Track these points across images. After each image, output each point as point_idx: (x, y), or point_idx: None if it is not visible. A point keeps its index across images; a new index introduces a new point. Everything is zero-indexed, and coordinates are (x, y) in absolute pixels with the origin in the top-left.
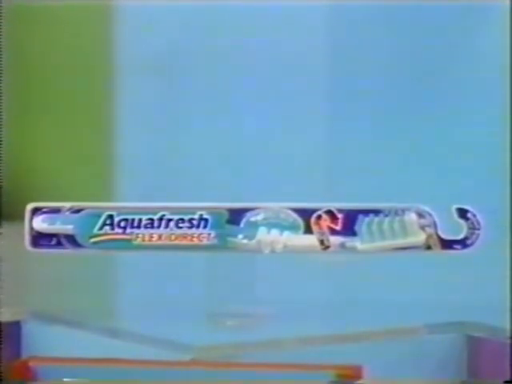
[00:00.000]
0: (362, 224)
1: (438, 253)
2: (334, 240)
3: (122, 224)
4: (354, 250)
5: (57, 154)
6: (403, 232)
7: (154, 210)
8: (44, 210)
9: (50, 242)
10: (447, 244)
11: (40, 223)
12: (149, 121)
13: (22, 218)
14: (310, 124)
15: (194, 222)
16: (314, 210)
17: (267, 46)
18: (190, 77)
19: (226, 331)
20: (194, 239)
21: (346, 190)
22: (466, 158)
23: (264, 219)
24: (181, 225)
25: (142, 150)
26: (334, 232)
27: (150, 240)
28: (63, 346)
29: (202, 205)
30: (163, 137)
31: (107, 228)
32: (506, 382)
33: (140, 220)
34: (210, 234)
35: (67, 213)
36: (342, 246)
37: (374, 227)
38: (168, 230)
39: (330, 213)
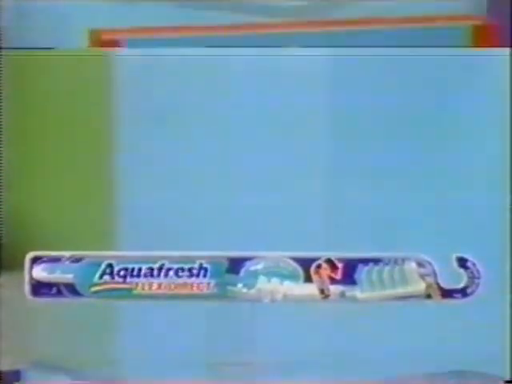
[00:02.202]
0: (362, 273)
1: (438, 302)
2: (334, 289)
3: (122, 273)
4: (354, 299)
5: (57, 204)
6: (403, 281)
7: (154, 259)
8: (44, 259)
9: (49, 291)
10: (447, 293)
11: (40, 272)
12: (149, 170)
13: (21, 267)
14: (309, 174)
15: (194, 271)
16: (313, 259)
17: (267, 100)
18: (191, 127)
19: (227, 380)
20: (194, 288)
21: (345, 237)
22: (465, 208)
23: (264, 268)
24: (180, 274)
25: (142, 199)
26: (333, 281)
27: (149, 289)
28: None
29: (201, 254)
30: (163, 185)
31: (107, 277)
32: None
33: (140, 269)
34: (209, 284)
35: (67, 262)
36: (342, 295)
37: (374, 276)
38: (168, 279)
39: (329, 262)
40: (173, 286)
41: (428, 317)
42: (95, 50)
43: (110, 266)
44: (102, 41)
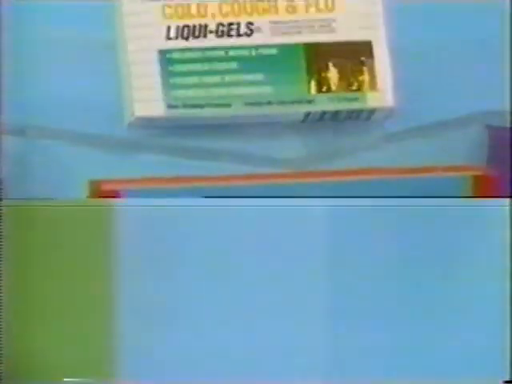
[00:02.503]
0: None
1: None
2: None
3: None
4: None
5: (57, 336)
6: None
7: None
8: None
9: None
10: None
11: None
12: (149, 315)
13: None
14: (308, 310)
15: None
16: None
17: (267, 249)
18: (192, 276)
19: None
20: None
21: (347, 369)
22: (465, 346)
23: None
24: None
25: (142, 340)
26: None
27: None
28: None
29: None
30: (163, 326)
31: None
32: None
33: None
34: None
35: None
36: None
37: None
38: None
39: None
40: None
41: None
42: (95, 200)
43: None
44: (101, 191)
